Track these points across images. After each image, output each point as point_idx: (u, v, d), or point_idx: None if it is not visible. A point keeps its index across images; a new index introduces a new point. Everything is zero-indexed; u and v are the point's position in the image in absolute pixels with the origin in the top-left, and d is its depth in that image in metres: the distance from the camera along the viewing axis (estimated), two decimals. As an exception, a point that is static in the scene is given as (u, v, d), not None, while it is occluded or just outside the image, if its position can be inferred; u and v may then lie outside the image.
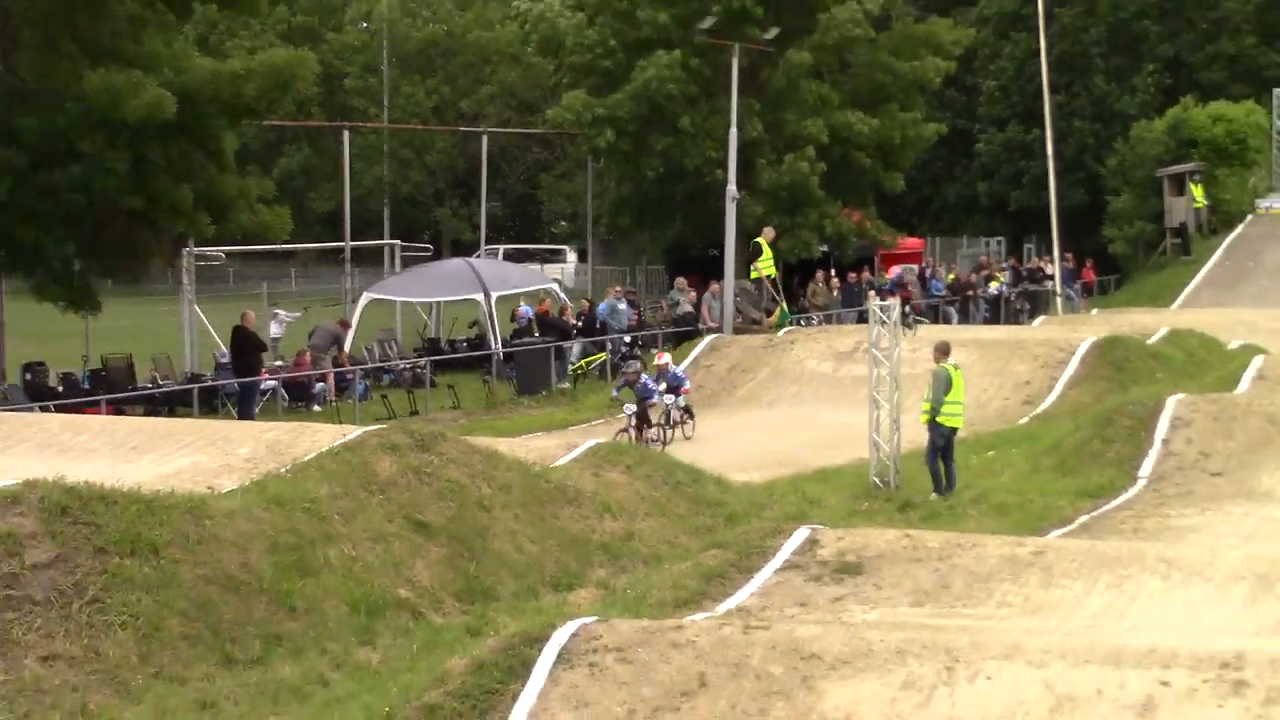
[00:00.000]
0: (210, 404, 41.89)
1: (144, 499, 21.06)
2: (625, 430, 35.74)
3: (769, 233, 49.70)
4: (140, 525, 20.45)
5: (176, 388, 42.90)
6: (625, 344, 49.47)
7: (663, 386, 37.06)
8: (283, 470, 23.93)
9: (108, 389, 42.22)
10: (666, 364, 38.32)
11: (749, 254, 50.01)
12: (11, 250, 41.96)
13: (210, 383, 43.63)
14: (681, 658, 15.13)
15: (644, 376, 36.71)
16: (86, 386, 42.87)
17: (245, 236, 47.59)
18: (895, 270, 39.49)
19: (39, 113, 41.25)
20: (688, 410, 37.96)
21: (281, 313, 52.01)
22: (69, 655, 18.74)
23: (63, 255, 42.28)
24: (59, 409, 37.13)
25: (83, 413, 36.04)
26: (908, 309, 39.63)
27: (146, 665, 19.02)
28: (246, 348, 44.03)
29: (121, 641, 19.13)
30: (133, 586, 19.70)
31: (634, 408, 36.07)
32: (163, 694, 18.58)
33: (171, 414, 39.21)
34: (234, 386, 42.77)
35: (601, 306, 52.65)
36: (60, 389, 42.31)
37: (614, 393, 38.01)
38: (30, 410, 36.05)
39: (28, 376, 43.24)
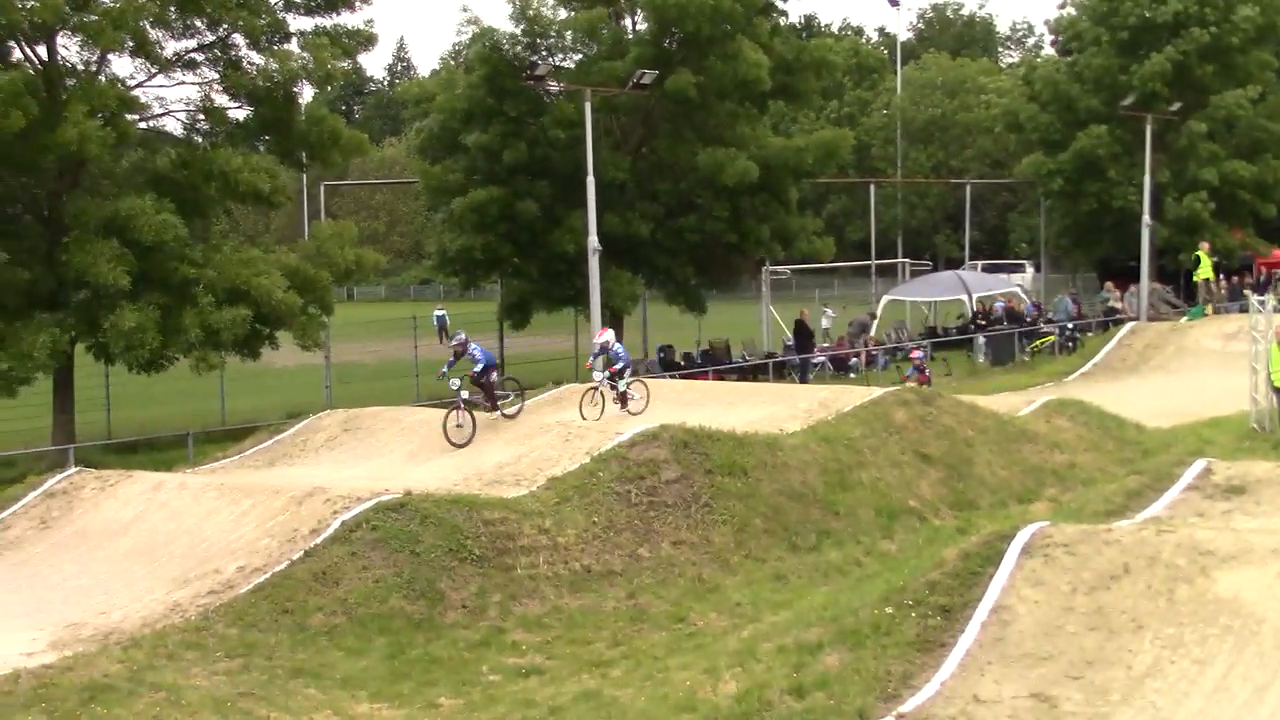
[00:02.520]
0: (781, 373, 42.18)
1: (737, 437, 21.38)
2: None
3: (1205, 246, 47.59)
4: (735, 454, 20.78)
5: (758, 361, 43.32)
6: (1068, 329, 48.04)
7: (600, 363, 25.65)
8: (829, 418, 23.97)
9: (713, 362, 42.92)
10: (607, 342, 25.81)
11: (1191, 263, 47.96)
12: (653, 272, 43.14)
13: (780, 358, 43.98)
14: (1110, 552, 14.65)
15: (615, 343, 25.63)
16: (699, 361, 43.59)
17: (804, 258, 47.89)
18: (918, 355, 35.26)
19: (669, 179, 42.32)
20: (620, 392, 25.07)
21: (829, 310, 52.12)
22: (689, 541, 19.17)
23: (684, 275, 43.29)
24: (682, 376, 37.91)
25: (697, 379, 36.74)
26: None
27: (739, 550, 19.32)
28: (804, 334, 44.46)
29: (723, 533, 19.49)
30: (730, 496, 20.05)
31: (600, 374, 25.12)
32: (750, 570, 18.85)
33: (755, 379, 39.59)
34: (796, 361, 43.10)
35: (1029, 306, 51.40)
36: (682, 363, 43.17)
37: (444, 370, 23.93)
38: (663, 378, 36.87)
39: (661, 355, 44.26)
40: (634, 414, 24.65)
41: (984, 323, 48.05)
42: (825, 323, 50.83)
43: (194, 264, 30.08)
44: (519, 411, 24.40)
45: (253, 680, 14.90)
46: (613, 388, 25.09)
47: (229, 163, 30.98)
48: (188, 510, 19.86)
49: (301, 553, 17.45)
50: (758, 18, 41.40)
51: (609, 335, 26.48)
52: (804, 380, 40.37)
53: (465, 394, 23.27)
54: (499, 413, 23.89)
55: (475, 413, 23.67)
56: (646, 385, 26.26)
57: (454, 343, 24.40)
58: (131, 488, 21.17)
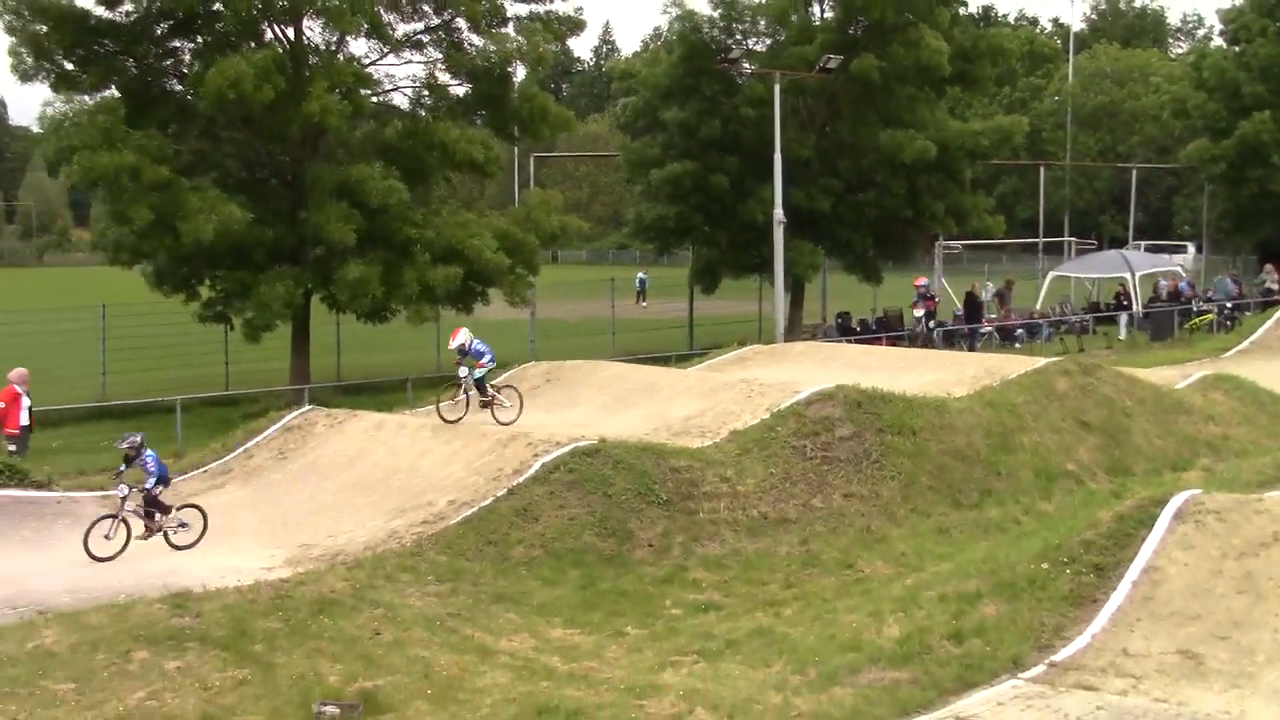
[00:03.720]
0: (950, 341, 41.63)
1: (907, 399, 21.20)
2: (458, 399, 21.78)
3: None
4: (904, 415, 20.61)
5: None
6: (1227, 308, 46.61)
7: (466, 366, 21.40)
8: (995, 384, 23.64)
9: (887, 329, 42.54)
10: (463, 344, 21.46)
11: None
12: (833, 243, 42.89)
13: (950, 327, 43.40)
14: (1260, 520, 14.26)
15: (474, 341, 21.52)
16: (874, 327, 43.26)
17: (975, 234, 47.11)
18: (922, 282, 31.31)
19: (851, 158, 41.98)
20: (489, 397, 21.68)
21: (990, 284, 51.19)
22: (860, 494, 19.08)
23: (863, 246, 42.96)
24: (857, 341, 37.67)
25: (871, 344, 36.44)
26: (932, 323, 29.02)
27: (906, 504, 19.19)
28: (974, 306, 43.83)
29: (891, 489, 19.37)
30: (899, 454, 19.90)
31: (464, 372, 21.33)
32: (915, 523, 18.70)
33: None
34: (965, 330, 42.51)
35: (1183, 284, 49.76)
36: (858, 328, 42.87)
37: None
38: (839, 342, 36.69)
39: (839, 320, 44.01)
40: (504, 423, 21.20)
41: (1126, 303, 46.90)
42: (986, 295, 50.11)
43: (414, 225, 30.72)
44: (196, 542, 17.63)
45: (459, 603, 15.26)
46: (480, 391, 21.42)
47: (449, 134, 31.56)
48: (405, 448, 20.36)
49: (505, 490, 17.77)
50: (939, 7, 40.87)
51: (464, 335, 21.64)
52: (972, 349, 39.83)
53: (131, 504, 17.34)
54: (161, 535, 17.51)
55: (137, 530, 17.50)
56: (519, 393, 22.42)
57: (125, 445, 17.86)
58: (357, 426, 21.75)
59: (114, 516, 17.22)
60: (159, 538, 17.42)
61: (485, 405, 21.55)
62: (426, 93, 33.92)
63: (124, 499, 17.27)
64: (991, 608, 13.65)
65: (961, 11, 44.76)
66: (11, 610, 14.74)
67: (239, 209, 28.72)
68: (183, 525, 17.65)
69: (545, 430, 20.25)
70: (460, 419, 21.11)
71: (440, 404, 21.53)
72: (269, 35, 31.40)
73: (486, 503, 17.58)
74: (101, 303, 33.47)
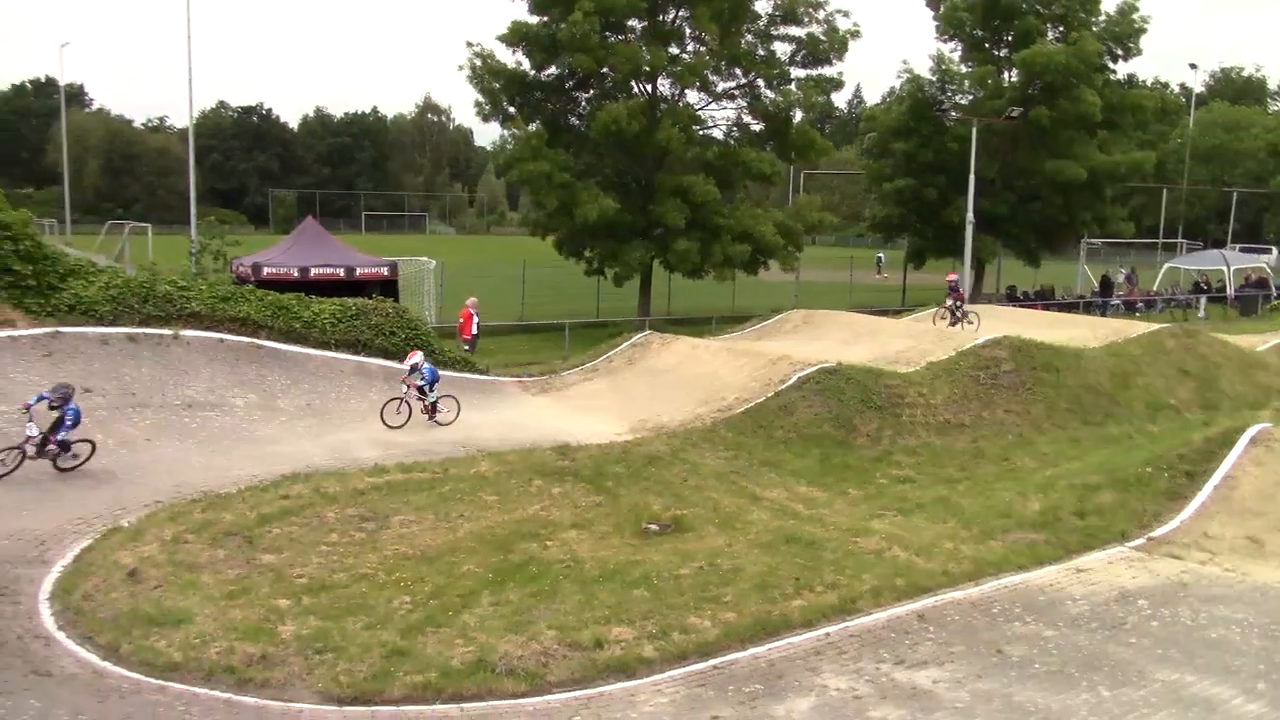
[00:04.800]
0: (1088, 309, 38.89)
1: (1054, 347, 20.09)
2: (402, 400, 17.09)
3: None
4: (1051, 358, 19.57)
5: (1073, 300, 40.13)
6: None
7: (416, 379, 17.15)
8: (1119, 340, 22.08)
9: (1042, 298, 40.09)
10: (416, 363, 17.20)
11: None
12: (1007, 237, 40.58)
13: (1088, 300, 40.59)
14: (1317, 451, 13.01)
15: (424, 364, 17.20)
16: (1032, 297, 40.81)
17: (1111, 235, 43.74)
18: (953, 277, 25.27)
19: (1024, 178, 39.50)
20: (429, 403, 17.26)
21: (1121, 271, 47.35)
22: (1016, 411, 18.18)
23: (1028, 240, 40.54)
24: (1021, 306, 35.61)
25: (1029, 309, 34.40)
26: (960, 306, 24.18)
27: (1049, 419, 18.21)
28: (1107, 285, 41.20)
29: (1039, 409, 18.39)
30: (1045, 385, 18.88)
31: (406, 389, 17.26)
32: (1055, 434, 17.66)
33: (1071, 313, 36.73)
34: (1099, 302, 39.74)
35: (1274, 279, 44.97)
36: (1021, 297, 40.53)
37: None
38: (1007, 306, 34.82)
39: (1008, 291, 41.71)
40: (442, 424, 17.17)
41: (1206, 289, 42.70)
42: (1119, 279, 46.63)
43: (722, 216, 30.64)
44: (79, 465, 13.74)
45: (739, 465, 15.37)
46: (420, 399, 17.23)
47: (748, 156, 31.26)
48: (709, 361, 20.50)
49: (773, 393, 17.72)
50: (1095, 73, 37.99)
51: (418, 357, 17.47)
52: (1104, 315, 37.24)
53: (33, 445, 13.39)
54: (52, 461, 13.63)
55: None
56: (457, 401, 17.79)
57: (55, 395, 13.62)
58: (678, 345, 21.98)
59: (17, 448, 13.28)
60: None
61: (428, 413, 17.33)
62: (735, 128, 33.69)
63: (29, 438, 13.34)
64: (1108, 496, 12.90)
65: (1111, 77, 41.46)
66: (462, 449, 15.69)
67: (612, 201, 29.27)
68: (74, 456, 13.68)
69: (801, 355, 20.06)
70: (403, 424, 16.85)
71: (384, 412, 16.94)
72: (636, 89, 31.70)
73: (760, 400, 17.59)
74: (523, 259, 34.75)
